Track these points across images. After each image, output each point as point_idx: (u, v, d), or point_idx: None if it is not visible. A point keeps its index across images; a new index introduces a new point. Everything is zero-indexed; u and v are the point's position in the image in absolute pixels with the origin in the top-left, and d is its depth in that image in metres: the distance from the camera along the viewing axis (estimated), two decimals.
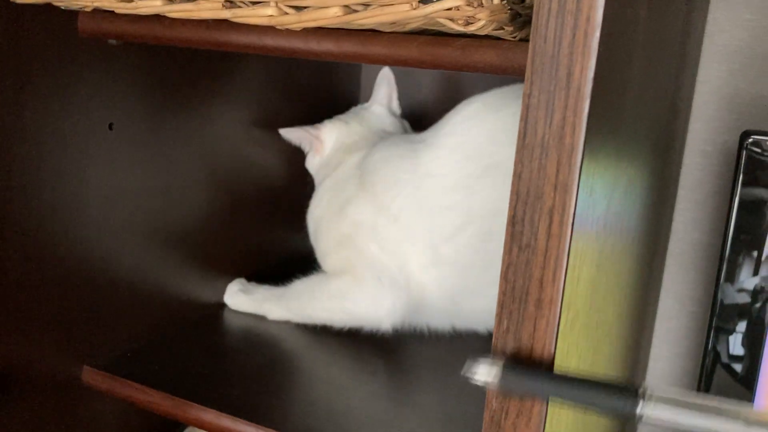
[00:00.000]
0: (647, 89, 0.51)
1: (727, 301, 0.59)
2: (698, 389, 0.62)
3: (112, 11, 0.55)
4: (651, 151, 0.57)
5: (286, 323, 0.78)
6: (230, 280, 0.83)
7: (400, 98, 0.91)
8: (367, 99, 0.94)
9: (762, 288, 0.58)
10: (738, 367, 0.59)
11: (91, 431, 0.67)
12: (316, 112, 0.89)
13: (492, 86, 0.77)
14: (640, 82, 0.48)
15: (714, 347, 0.60)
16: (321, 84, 0.92)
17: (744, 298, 0.59)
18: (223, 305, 0.81)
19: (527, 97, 0.37)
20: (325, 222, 0.80)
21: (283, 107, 0.86)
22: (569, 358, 0.41)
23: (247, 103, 0.80)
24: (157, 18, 0.53)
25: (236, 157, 0.80)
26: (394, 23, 0.44)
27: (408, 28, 0.46)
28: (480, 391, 0.40)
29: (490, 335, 0.75)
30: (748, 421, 0.33)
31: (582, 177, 0.36)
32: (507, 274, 0.38)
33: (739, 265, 0.58)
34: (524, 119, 0.37)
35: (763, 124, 0.74)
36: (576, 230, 0.37)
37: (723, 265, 0.59)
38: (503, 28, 0.42)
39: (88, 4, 0.53)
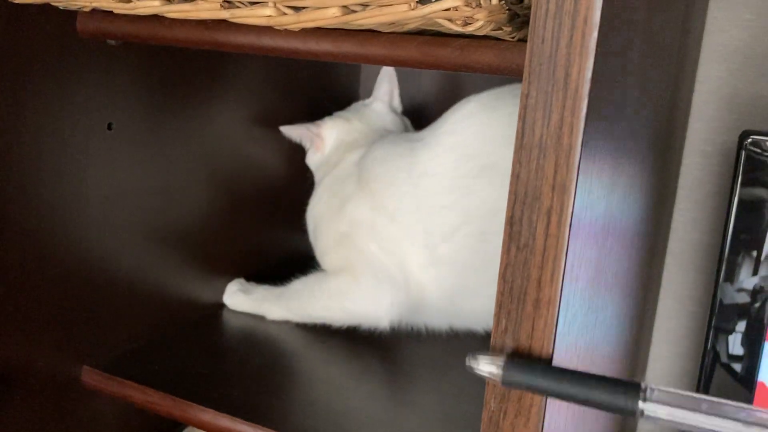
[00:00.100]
0: (646, 89, 0.51)
1: (726, 301, 0.59)
2: (698, 389, 0.62)
3: (111, 11, 0.55)
4: (650, 151, 0.57)
5: (286, 323, 0.78)
6: (229, 280, 0.83)
7: (402, 95, 0.91)
8: (366, 96, 0.94)
9: (761, 288, 0.58)
10: (737, 367, 0.59)
11: (90, 431, 0.67)
12: (316, 110, 0.89)
13: (493, 84, 0.77)
14: (639, 82, 0.48)
15: (713, 347, 0.60)
16: (321, 82, 0.92)
17: (743, 298, 0.59)
18: (222, 305, 0.81)
19: (525, 98, 0.37)
20: (324, 220, 0.80)
21: (283, 106, 0.86)
22: (567, 359, 0.41)
23: (247, 102, 0.80)
24: (156, 18, 0.53)
25: (236, 156, 0.80)
26: (392, 24, 0.44)
27: (406, 28, 0.46)
28: (479, 391, 0.40)
29: (488, 335, 0.75)
30: (748, 420, 0.34)
31: (580, 177, 0.36)
32: (505, 274, 0.38)
33: (739, 264, 0.58)
34: (522, 119, 0.37)
35: (762, 123, 0.74)
36: (574, 230, 0.37)
37: (722, 265, 0.59)
38: (501, 29, 0.42)
39: (87, 4, 0.53)
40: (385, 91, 0.90)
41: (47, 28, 0.58)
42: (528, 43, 0.36)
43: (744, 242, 0.58)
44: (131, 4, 0.51)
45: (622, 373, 0.64)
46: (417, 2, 0.41)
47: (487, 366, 0.38)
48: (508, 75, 0.44)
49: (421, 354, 0.74)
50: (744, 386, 0.59)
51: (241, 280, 0.83)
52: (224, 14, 0.48)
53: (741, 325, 0.59)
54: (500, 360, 0.38)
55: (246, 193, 0.83)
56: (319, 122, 0.86)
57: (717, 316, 0.60)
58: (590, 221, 0.41)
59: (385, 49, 0.48)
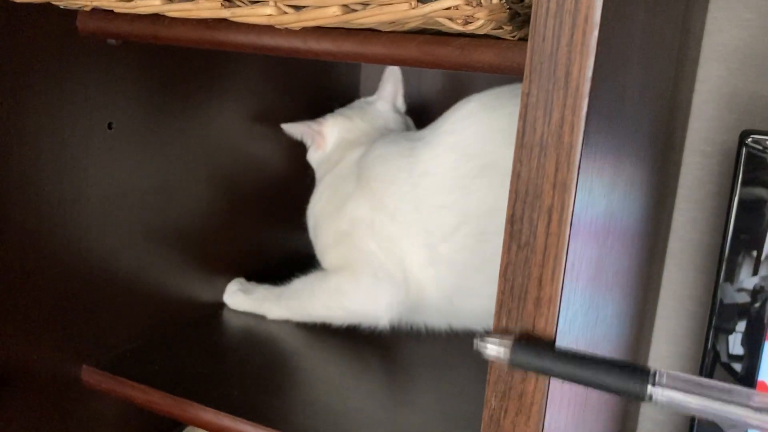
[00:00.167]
0: (646, 88, 0.51)
1: (726, 301, 0.59)
2: None
3: (112, 10, 0.55)
4: (650, 151, 0.57)
5: (286, 323, 0.78)
6: (229, 280, 0.83)
7: (404, 94, 0.91)
8: (366, 94, 0.94)
9: (761, 287, 0.58)
10: (737, 367, 0.59)
11: (90, 430, 0.67)
12: (316, 109, 0.89)
13: (495, 83, 0.77)
14: (639, 81, 0.48)
15: (713, 347, 0.60)
16: (321, 80, 0.92)
17: (743, 298, 0.59)
18: (222, 305, 0.81)
19: (526, 96, 0.37)
20: (324, 218, 0.80)
21: (283, 105, 0.86)
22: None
23: (247, 101, 0.80)
24: (156, 17, 0.53)
25: (236, 155, 0.80)
26: (392, 23, 0.44)
27: (407, 27, 0.46)
28: (479, 391, 0.40)
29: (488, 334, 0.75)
30: (758, 405, 0.34)
31: (581, 176, 0.36)
32: (506, 273, 0.38)
33: (739, 264, 0.58)
34: (523, 118, 0.37)
35: (762, 123, 0.74)
36: (575, 229, 0.37)
37: (722, 265, 0.59)
38: (502, 28, 0.42)
39: (87, 3, 0.53)
40: (390, 91, 0.90)
41: (48, 28, 0.58)
42: (529, 41, 0.36)
43: (744, 242, 0.58)
44: (132, 3, 0.51)
45: None
46: (417, 1, 0.41)
47: (494, 351, 0.38)
48: (508, 74, 0.44)
49: (421, 353, 0.74)
50: (744, 386, 0.59)
51: (242, 280, 0.83)
52: (225, 13, 0.48)
53: (741, 325, 0.59)
54: (507, 343, 0.37)
55: (246, 193, 0.83)
56: (320, 120, 0.86)
57: (717, 316, 0.60)
58: (591, 220, 0.41)
59: (385, 48, 0.48)
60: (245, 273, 0.84)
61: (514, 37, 0.44)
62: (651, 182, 0.60)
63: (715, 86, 0.76)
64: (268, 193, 0.86)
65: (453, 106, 0.76)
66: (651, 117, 0.55)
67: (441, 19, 0.42)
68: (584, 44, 0.35)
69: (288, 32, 0.50)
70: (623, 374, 0.36)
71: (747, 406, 0.34)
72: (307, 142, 0.87)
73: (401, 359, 0.73)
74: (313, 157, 0.87)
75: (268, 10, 0.46)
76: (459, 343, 0.76)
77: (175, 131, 0.71)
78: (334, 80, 0.95)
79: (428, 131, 0.77)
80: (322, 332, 0.76)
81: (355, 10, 0.43)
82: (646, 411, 0.82)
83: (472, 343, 0.77)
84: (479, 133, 0.73)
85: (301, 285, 0.78)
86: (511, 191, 0.38)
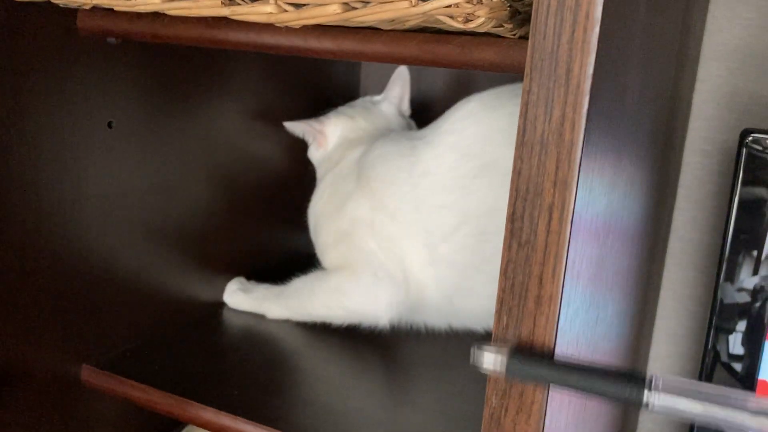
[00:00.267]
0: (647, 87, 0.51)
1: (726, 301, 0.59)
2: None
3: (112, 9, 0.54)
4: (651, 149, 0.57)
5: (286, 322, 0.78)
6: (229, 279, 0.83)
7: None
8: (366, 92, 0.94)
9: (762, 287, 0.58)
10: (738, 367, 0.59)
11: (90, 430, 0.67)
12: (317, 107, 0.89)
13: (498, 81, 0.77)
14: (640, 79, 0.48)
15: (714, 346, 0.60)
16: (321, 78, 0.92)
17: (744, 298, 0.59)
18: (222, 304, 0.81)
19: (526, 94, 0.37)
20: (324, 218, 0.80)
21: (283, 104, 0.86)
22: (569, 356, 0.41)
23: (247, 100, 0.80)
24: (156, 15, 0.53)
25: (236, 154, 0.80)
26: (393, 21, 0.44)
27: (407, 25, 0.46)
28: (479, 390, 0.40)
29: (488, 334, 0.75)
30: (755, 409, 0.33)
31: (581, 174, 0.36)
32: (506, 271, 0.38)
33: (739, 264, 0.58)
34: (523, 116, 0.37)
35: (762, 122, 0.74)
36: (575, 227, 0.37)
37: (723, 265, 0.59)
38: (503, 26, 0.42)
39: (87, 1, 0.53)
40: (397, 94, 0.89)
41: (48, 27, 0.58)
42: (529, 39, 0.36)
43: (744, 242, 0.58)
44: (132, 2, 0.51)
45: None
46: None
47: (490, 364, 0.38)
48: (509, 72, 0.44)
49: (421, 353, 0.73)
50: (744, 385, 0.59)
51: (241, 279, 0.83)
52: (225, 11, 0.48)
53: (741, 325, 0.59)
54: (503, 356, 0.37)
55: (246, 192, 0.83)
56: (323, 119, 0.86)
57: (717, 316, 0.60)
58: (591, 218, 0.41)
59: (385, 46, 0.48)
60: (245, 272, 0.84)
61: (514, 35, 0.44)
62: (651, 181, 0.60)
63: (716, 85, 0.76)
64: (268, 192, 0.86)
65: (454, 106, 0.76)
66: (651, 116, 0.55)
67: (441, 17, 0.42)
68: (585, 41, 0.35)
69: (288, 30, 0.50)
70: (619, 382, 0.36)
71: (744, 409, 0.34)
72: (309, 139, 0.87)
73: (401, 359, 0.73)
74: (314, 155, 0.87)
75: (268, 8, 0.46)
76: (459, 343, 0.76)
77: (175, 130, 0.71)
78: (334, 79, 0.95)
79: (428, 131, 0.77)
80: (322, 332, 0.76)
81: (356, 8, 0.43)
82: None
83: (471, 344, 0.77)
84: (480, 133, 0.72)
85: (300, 284, 0.78)
86: (511, 189, 0.38)
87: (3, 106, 0.56)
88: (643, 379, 0.35)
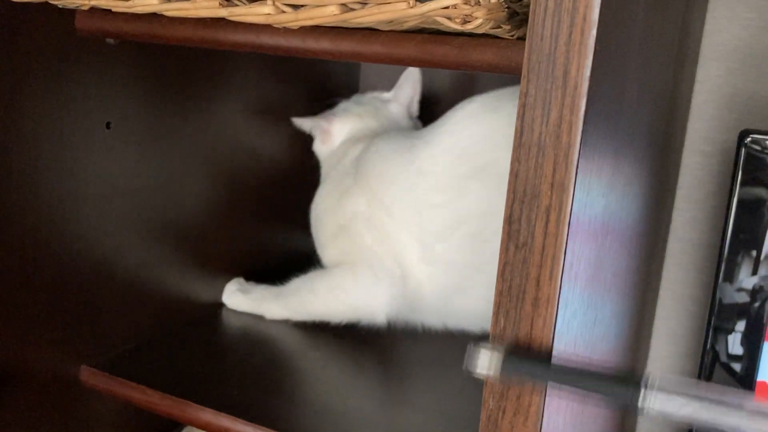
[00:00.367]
0: (646, 88, 0.51)
1: (725, 301, 0.59)
2: None
3: (110, 10, 0.54)
4: (650, 150, 0.57)
5: (285, 323, 0.78)
6: (228, 280, 0.82)
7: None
8: (366, 88, 0.94)
9: (761, 287, 0.58)
10: (737, 367, 0.59)
11: (89, 431, 0.67)
12: (317, 106, 0.89)
13: (502, 81, 0.77)
14: (639, 80, 0.48)
15: (713, 346, 0.60)
16: (321, 76, 0.92)
17: (743, 298, 0.58)
18: (221, 305, 0.81)
19: (524, 96, 0.36)
20: (324, 213, 0.81)
21: (282, 104, 0.86)
22: (567, 357, 0.41)
23: (245, 100, 0.80)
24: (154, 16, 0.53)
25: (235, 154, 0.80)
26: (391, 22, 0.44)
27: (405, 26, 0.46)
28: (477, 390, 0.40)
29: (484, 336, 0.75)
30: (751, 412, 0.33)
31: (579, 175, 0.36)
32: (504, 273, 0.38)
33: (738, 264, 0.58)
34: (521, 118, 0.37)
35: (762, 123, 0.74)
36: (573, 229, 0.37)
37: (722, 265, 0.59)
38: (501, 27, 0.42)
39: (86, 2, 0.53)
40: (406, 95, 0.89)
41: (46, 27, 0.58)
42: (527, 40, 0.36)
43: (743, 242, 0.58)
44: (129, 2, 0.51)
45: None
46: (416, 0, 0.41)
47: (484, 368, 0.38)
48: (507, 73, 0.44)
49: (420, 353, 0.73)
50: (744, 386, 0.59)
51: (240, 280, 0.83)
52: (223, 12, 0.48)
53: (740, 325, 0.59)
54: (497, 361, 0.37)
55: (245, 192, 0.83)
56: (331, 117, 0.86)
57: (716, 316, 0.60)
58: (589, 220, 0.40)
59: (384, 47, 0.48)
60: (244, 273, 0.84)
61: (512, 36, 0.44)
62: (650, 182, 0.60)
63: (715, 86, 0.76)
64: (268, 192, 0.86)
65: (455, 107, 0.76)
66: (650, 116, 0.55)
67: (439, 18, 0.41)
68: (582, 43, 0.35)
69: (286, 31, 0.50)
70: (614, 385, 0.36)
71: (740, 411, 0.34)
72: (315, 134, 0.87)
73: (400, 359, 0.73)
74: (319, 149, 0.87)
75: (266, 9, 0.46)
76: (458, 343, 0.75)
77: (173, 131, 0.71)
78: (334, 77, 0.95)
79: (428, 130, 0.77)
80: (322, 332, 0.76)
81: (354, 9, 0.43)
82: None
83: (469, 344, 0.77)
84: (478, 135, 0.73)
85: (299, 283, 0.78)
86: (509, 191, 0.38)
87: (1, 106, 0.56)
88: (639, 382, 0.35)
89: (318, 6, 0.44)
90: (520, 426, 0.39)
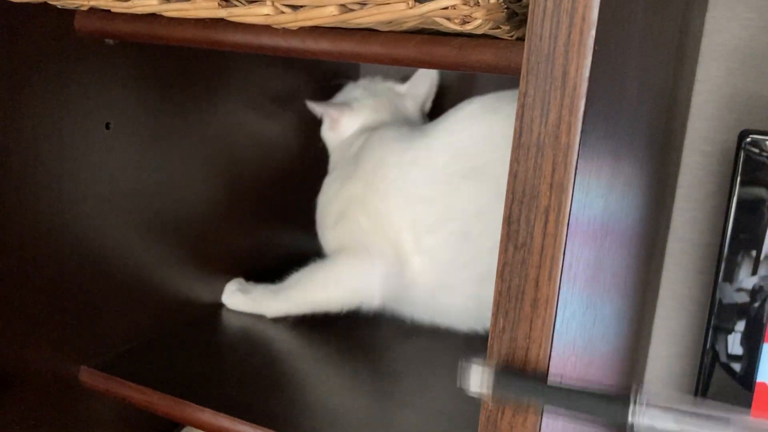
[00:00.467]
0: (645, 88, 0.51)
1: (725, 301, 0.59)
2: (696, 389, 0.62)
3: (109, 10, 0.54)
4: (649, 150, 0.57)
5: (284, 323, 0.78)
6: (228, 280, 0.82)
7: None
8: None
9: (760, 287, 0.58)
10: (737, 367, 0.59)
11: (88, 431, 0.67)
12: (321, 93, 0.89)
13: (507, 81, 0.77)
14: (638, 80, 0.48)
15: (713, 347, 0.60)
16: (321, 75, 0.92)
17: (742, 298, 0.58)
18: (221, 305, 0.81)
19: (523, 96, 0.36)
20: (327, 202, 0.82)
21: (282, 104, 0.86)
22: (565, 358, 0.41)
23: (245, 101, 0.80)
24: (154, 17, 0.53)
25: (235, 154, 0.80)
26: (390, 22, 0.44)
27: (404, 27, 0.46)
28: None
29: (486, 334, 0.75)
30: (741, 428, 0.33)
31: (578, 176, 0.36)
32: (503, 274, 0.38)
33: (738, 264, 0.58)
34: (520, 118, 0.37)
35: (762, 123, 0.74)
36: (572, 229, 0.37)
37: (721, 265, 0.59)
38: (500, 27, 0.42)
39: (85, 3, 0.53)
40: (422, 93, 0.90)
41: (45, 28, 0.58)
42: (526, 41, 0.36)
43: (743, 242, 0.58)
44: (129, 3, 0.51)
45: (621, 373, 0.64)
46: (415, 1, 0.41)
47: (476, 387, 0.38)
48: (506, 74, 0.44)
49: (419, 354, 0.74)
50: (743, 386, 0.59)
51: (240, 280, 0.83)
52: (222, 13, 0.48)
53: (740, 325, 0.59)
54: (488, 380, 0.37)
55: (245, 192, 0.83)
56: (345, 108, 0.85)
57: (716, 316, 0.60)
58: (588, 220, 0.40)
59: (383, 48, 0.48)
60: (244, 273, 0.84)
61: (511, 36, 0.44)
62: (650, 182, 0.60)
63: (715, 86, 0.76)
64: (268, 192, 0.86)
65: (456, 106, 0.77)
66: (650, 117, 0.55)
67: (438, 19, 0.41)
68: (581, 44, 0.35)
69: (285, 32, 0.50)
70: (604, 404, 0.36)
71: (730, 427, 0.33)
72: (324, 120, 0.87)
73: (399, 359, 0.73)
74: (327, 136, 0.87)
75: (266, 9, 0.46)
76: (457, 343, 0.76)
77: (173, 131, 0.71)
78: (334, 75, 0.95)
79: (428, 127, 0.78)
80: (321, 332, 0.76)
81: (353, 10, 0.43)
82: None
83: (471, 344, 0.77)
84: (477, 135, 0.73)
85: (298, 275, 0.79)
86: (507, 192, 0.38)
87: (1, 106, 0.56)
88: (628, 400, 0.35)
89: (317, 6, 0.44)
90: (520, 426, 0.39)
